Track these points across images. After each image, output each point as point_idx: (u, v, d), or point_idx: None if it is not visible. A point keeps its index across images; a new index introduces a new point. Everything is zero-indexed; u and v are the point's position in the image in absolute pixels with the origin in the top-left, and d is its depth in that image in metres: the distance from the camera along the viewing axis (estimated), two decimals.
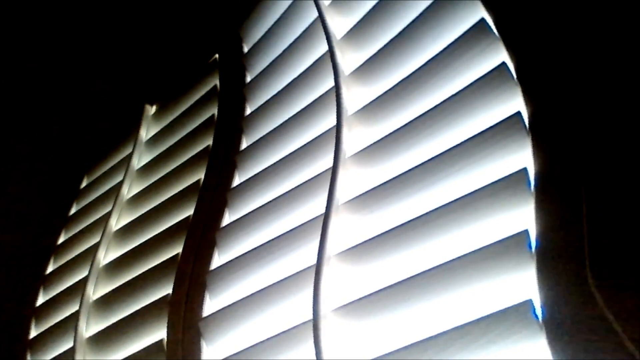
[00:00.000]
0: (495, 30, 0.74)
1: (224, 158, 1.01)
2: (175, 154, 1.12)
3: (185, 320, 0.84)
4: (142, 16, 1.42)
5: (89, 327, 0.96)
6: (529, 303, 0.58)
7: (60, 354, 1.00)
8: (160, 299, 0.89)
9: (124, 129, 1.29)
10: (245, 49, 1.13)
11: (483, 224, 0.67)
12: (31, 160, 1.46)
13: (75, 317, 0.97)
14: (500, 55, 0.73)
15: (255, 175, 0.93)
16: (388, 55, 0.84)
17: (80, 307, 0.98)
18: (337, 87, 0.87)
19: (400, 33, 0.83)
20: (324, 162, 0.85)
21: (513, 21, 0.72)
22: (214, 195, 0.97)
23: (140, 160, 1.19)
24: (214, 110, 1.10)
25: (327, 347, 0.68)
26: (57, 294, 1.08)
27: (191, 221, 0.96)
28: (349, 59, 0.91)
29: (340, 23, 0.94)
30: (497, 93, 0.71)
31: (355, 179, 0.81)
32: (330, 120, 0.87)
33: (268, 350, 0.74)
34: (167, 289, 0.90)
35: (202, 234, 0.92)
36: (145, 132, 1.24)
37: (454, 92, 0.75)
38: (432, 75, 0.78)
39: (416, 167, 0.74)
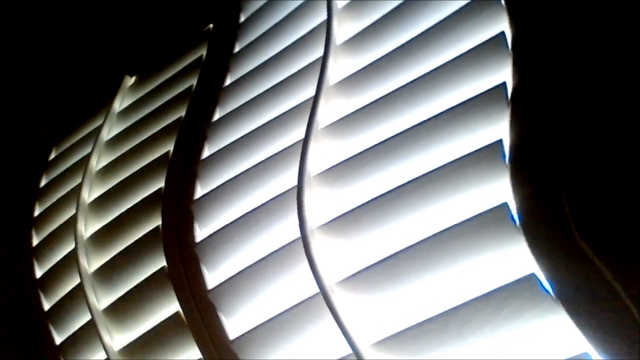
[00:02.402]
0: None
1: (194, 130, 0.96)
2: (146, 125, 1.06)
3: (194, 293, 0.80)
4: None
5: (100, 300, 0.92)
6: (533, 277, 0.55)
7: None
8: (158, 270, 0.85)
9: (101, 100, 1.20)
10: (242, 19, 1.06)
11: (455, 197, 0.64)
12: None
13: (80, 289, 0.92)
14: (500, 25, 0.70)
15: (225, 147, 0.89)
16: (384, 27, 0.81)
17: (81, 279, 0.92)
18: (324, 58, 0.83)
19: (402, 4, 0.79)
20: (298, 133, 0.82)
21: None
22: (184, 167, 0.92)
23: (110, 132, 1.12)
24: (194, 81, 1.04)
25: (346, 318, 0.65)
26: (53, 266, 1.02)
27: (164, 194, 0.91)
28: (346, 28, 0.87)
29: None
30: (488, 64, 0.68)
31: (327, 151, 0.78)
32: (310, 93, 0.83)
33: (282, 328, 0.70)
34: (159, 261, 0.86)
35: (177, 207, 0.88)
36: (119, 104, 1.16)
37: (442, 63, 0.71)
38: (424, 47, 0.75)
39: (390, 138, 0.72)
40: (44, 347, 0.98)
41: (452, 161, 0.65)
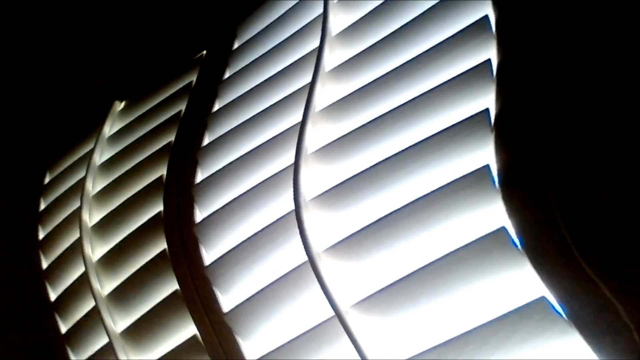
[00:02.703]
0: (493, 28, 0.71)
1: (185, 154, 0.95)
2: (137, 149, 1.05)
3: (209, 316, 0.80)
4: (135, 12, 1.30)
5: (116, 322, 0.91)
6: (544, 299, 0.54)
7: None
8: (172, 293, 0.84)
9: (91, 125, 1.19)
10: (236, 46, 1.05)
11: (450, 221, 0.64)
12: None
13: (95, 312, 0.91)
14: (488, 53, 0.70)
15: (218, 170, 0.88)
16: (374, 54, 0.81)
17: (96, 302, 0.91)
18: (311, 84, 0.83)
19: (393, 32, 0.80)
20: (287, 159, 0.82)
21: (514, 20, 0.70)
22: (179, 192, 0.91)
23: (102, 156, 1.11)
24: (183, 107, 1.03)
25: (362, 340, 0.64)
26: (67, 288, 1.01)
27: (164, 218, 0.90)
28: (336, 56, 0.87)
29: (342, 20, 0.89)
30: (472, 91, 0.68)
31: (318, 174, 0.78)
32: (298, 118, 0.83)
33: (299, 351, 0.70)
34: (171, 283, 0.85)
35: (180, 231, 0.87)
36: (109, 128, 1.15)
37: (428, 88, 0.72)
38: (411, 74, 0.75)
39: (379, 163, 0.72)
40: None
41: (444, 185, 0.65)
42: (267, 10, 1.04)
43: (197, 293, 0.82)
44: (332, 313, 0.67)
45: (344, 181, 0.74)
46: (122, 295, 0.91)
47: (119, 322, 0.91)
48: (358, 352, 0.64)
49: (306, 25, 0.93)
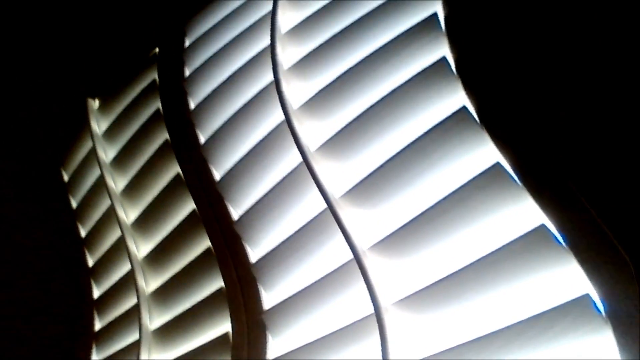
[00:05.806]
0: (443, 26, 0.62)
1: (189, 152, 0.86)
2: (138, 146, 0.96)
3: (247, 314, 0.73)
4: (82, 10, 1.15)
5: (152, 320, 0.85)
6: (587, 297, 0.47)
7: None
8: (215, 291, 0.77)
9: (73, 122, 1.09)
10: (187, 44, 0.93)
11: (475, 222, 0.56)
12: None
13: (136, 310, 0.85)
14: (440, 51, 0.62)
15: (232, 168, 0.80)
16: (329, 49, 0.72)
17: (138, 299, 0.85)
18: (276, 82, 0.74)
19: (346, 27, 0.71)
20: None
21: (463, 17, 0.61)
22: (205, 191, 0.82)
23: (107, 153, 1.02)
24: (157, 104, 0.94)
25: (393, 339, 0.57)
26: (110, 289, 0.94)
27: (201, 217, 0.81)
28: (290, 53, 0.77)
29: (290, 18, 0.79)
30: (437, 87, 0.60)
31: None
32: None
33: (332, 345, 0.63)
34: (216, 280, 0.77)
35: (221, 230, 0.78)
36: (97, 126, 1.05)
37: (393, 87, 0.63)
38: (371, 71, 0.67)
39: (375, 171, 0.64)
40: None
41: (462, 186, 0.57)
42: (214, 10, 0.93)
43: (240, 286, 0.74)
44: (372, 310, 0.60)
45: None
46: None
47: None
48: (383, 350, 0.57)
49: (253, 24, 0.85)
